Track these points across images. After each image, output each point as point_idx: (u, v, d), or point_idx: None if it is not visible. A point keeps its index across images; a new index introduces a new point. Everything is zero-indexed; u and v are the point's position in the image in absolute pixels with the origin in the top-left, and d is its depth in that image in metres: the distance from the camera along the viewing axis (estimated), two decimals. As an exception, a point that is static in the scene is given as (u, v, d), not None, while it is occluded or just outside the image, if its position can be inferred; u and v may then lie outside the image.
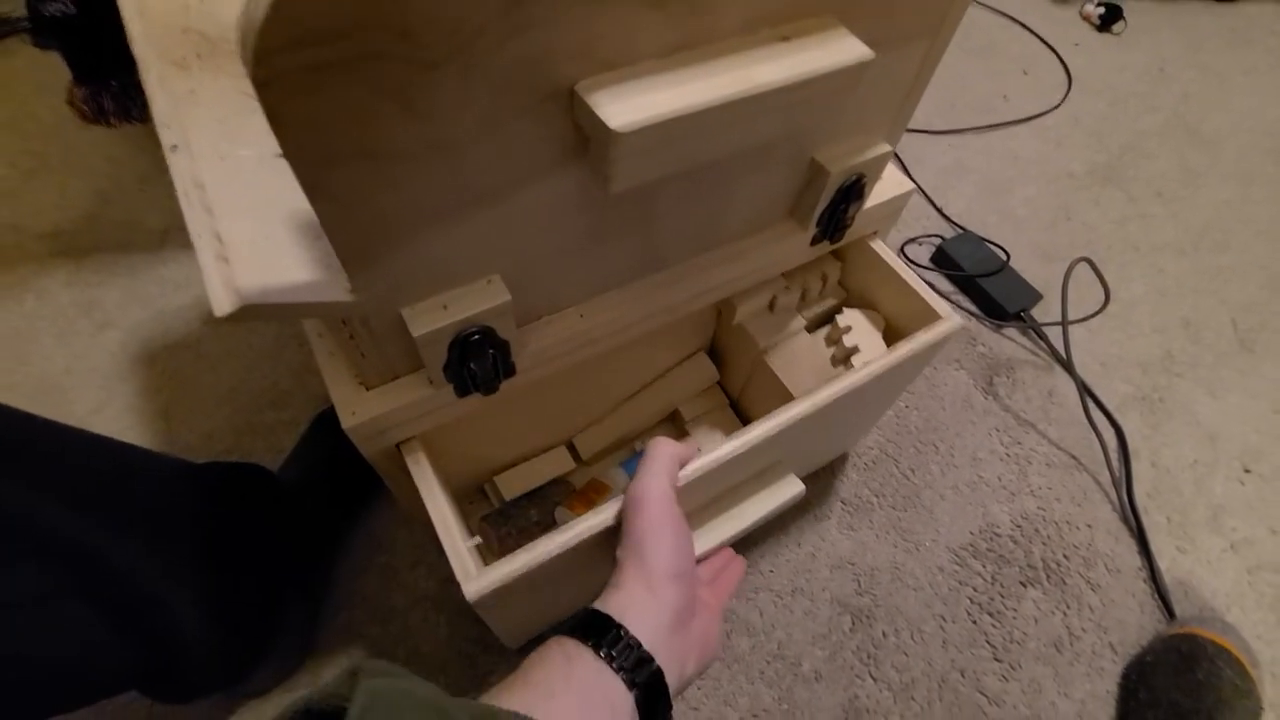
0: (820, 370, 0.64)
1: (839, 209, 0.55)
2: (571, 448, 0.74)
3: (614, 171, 0.34)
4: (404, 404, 0.45)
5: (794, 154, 0.49)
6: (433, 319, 0.40)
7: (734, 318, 0.65)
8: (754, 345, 0.66)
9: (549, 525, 0.68)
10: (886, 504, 0.80)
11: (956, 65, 1.33)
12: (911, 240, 1.05)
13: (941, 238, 1.04)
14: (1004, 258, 1.00)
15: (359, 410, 0.44)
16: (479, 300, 0.41)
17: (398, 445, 0.49)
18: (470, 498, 0.73)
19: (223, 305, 0.33)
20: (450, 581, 0.72)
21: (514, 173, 0.37)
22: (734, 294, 0.63)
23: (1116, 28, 1.46)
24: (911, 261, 1.02)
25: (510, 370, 0.48)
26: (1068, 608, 0.74)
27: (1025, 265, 1.01)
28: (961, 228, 1.07)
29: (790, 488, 0.56)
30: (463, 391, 0.47)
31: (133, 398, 0.82)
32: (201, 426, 0.80)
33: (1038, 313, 0.97)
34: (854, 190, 0.53)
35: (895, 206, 0.61)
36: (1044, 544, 0.78)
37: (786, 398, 0.63)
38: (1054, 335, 0.94)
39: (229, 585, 0.55)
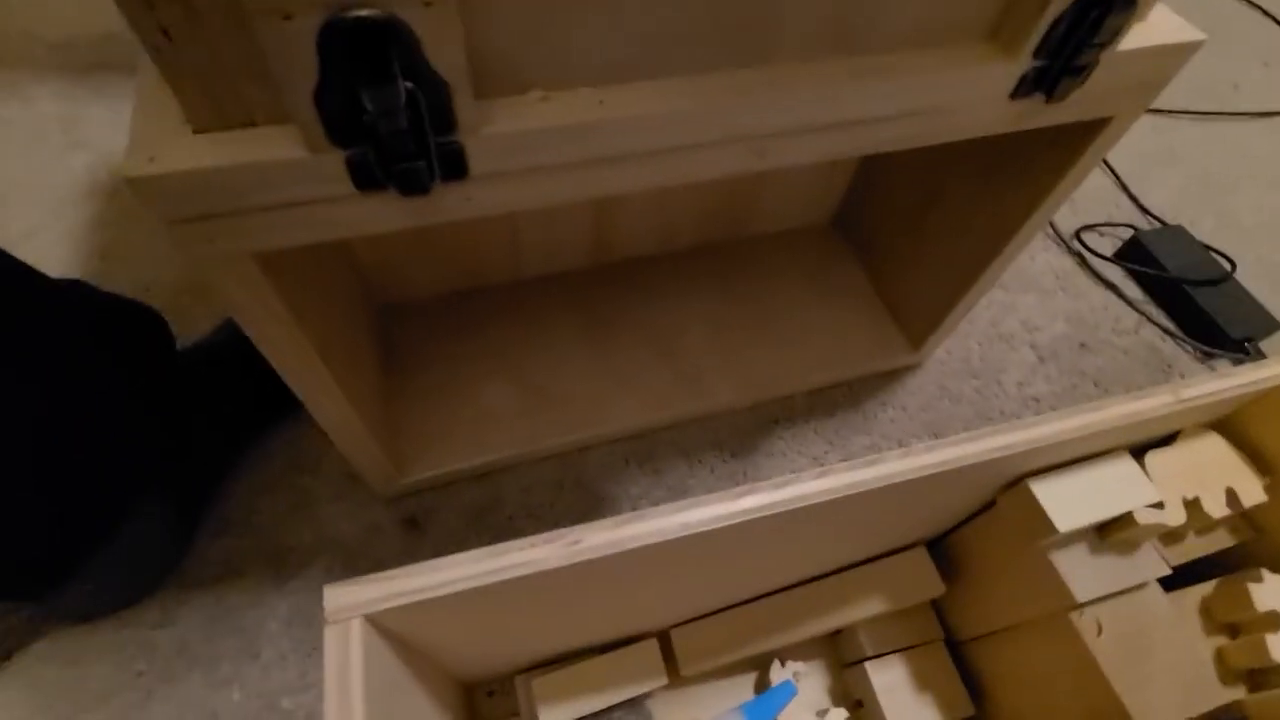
0: (1195, 685, 0.33)
1: (1085, 23, 0.31)
2: (666, 642, 0.42)
3: None
4: (249, 164, 0.25)
5: None
6: (280, -46, 0.20)
7: (1036, 538, 0.34)
8: (1059, 594, 0.35)
9: None
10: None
11: (1172, 40, 1.05)
12: (1090, 227, 0.78)
13: (1134, 229, 0.77)
14: (1227, 268, 0.72)
15: (164, 155, 0.24)
16: (386, -52, 0.20)
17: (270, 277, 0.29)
18: (491, 686, 0.44)
19: None
20: (376, 532, 0.52)
21: None
22: (1033, 469, 0.35)
23: (1391, 33, 1.13)
24: (1091, 251, 0.75)
25: (455, 158, 0.27)
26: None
27: (1254, 285, 0.73)
28: (1162, 222, 0.79)
29: None
30: (363, 174, 0.26)
31: (77, 227, 0.67)
32: (140, 275, 0.64)
33: (1269, 347, 0.69)
34: (1127, -20, 0.29)
35: (1164, 68, 0.37)
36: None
37: (1112, 708, 0.33)
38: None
39: (30, 434, 0.37)
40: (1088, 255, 0.75)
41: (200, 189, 0.25)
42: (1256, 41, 1.09)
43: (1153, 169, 0.86)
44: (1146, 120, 0.92)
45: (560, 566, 0.26)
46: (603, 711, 0.39)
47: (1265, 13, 1.13)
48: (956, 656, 0.45)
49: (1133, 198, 0.82)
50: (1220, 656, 0.35)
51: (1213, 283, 0.70)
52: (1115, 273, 0.75)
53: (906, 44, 0.32)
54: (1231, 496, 0.36)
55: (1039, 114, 0.36)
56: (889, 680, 0.43)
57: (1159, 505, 0.35)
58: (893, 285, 0.64)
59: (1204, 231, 0.79)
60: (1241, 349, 0.67)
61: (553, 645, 0.39)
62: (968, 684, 0.44)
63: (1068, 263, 0.75)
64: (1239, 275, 0.72)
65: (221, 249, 0.28)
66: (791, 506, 0.29)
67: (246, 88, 0.24)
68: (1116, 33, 0.32)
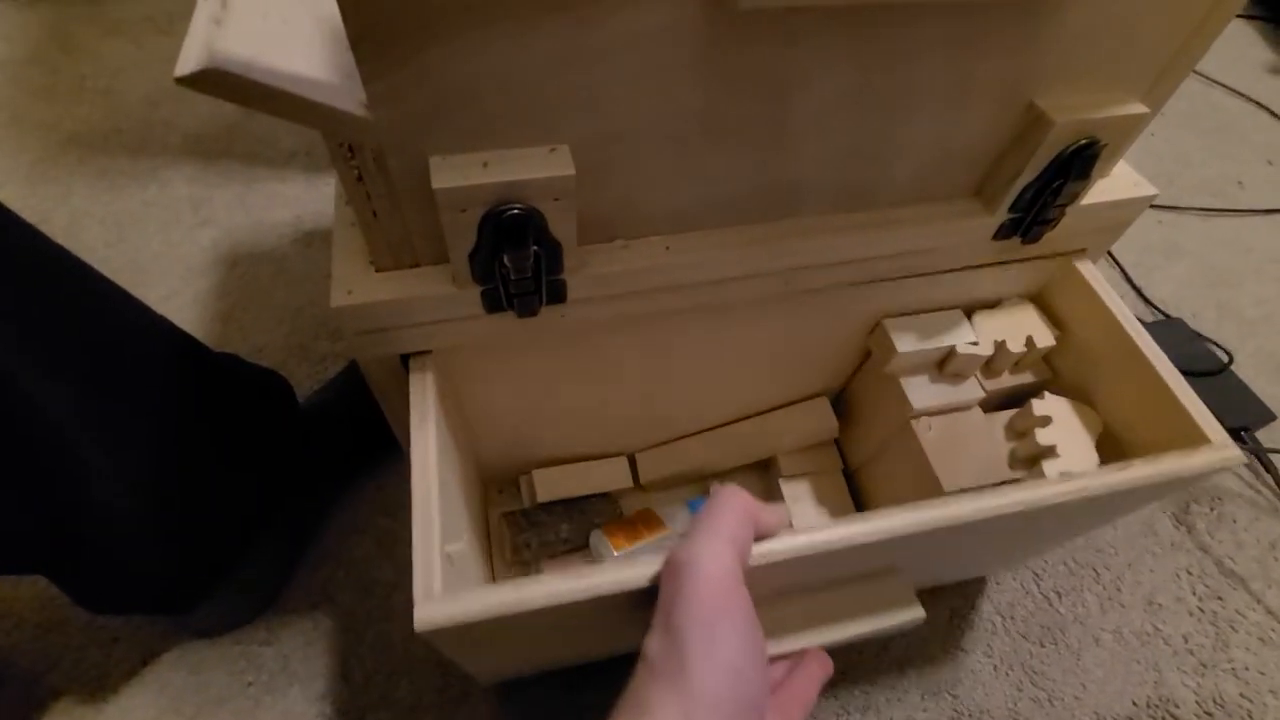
0: (989, 466, 0.47)
1: (1050, 188, 0.39)
2: (634, 464, 0.60)
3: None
4: (415, 298, 0.34)
5: (1006, 83, 0.35)
6: (464, 174, 0.30)
7: (887, 361, 0.48)
8: (904, 406, 0.49)
9: (579, 547, 0.57)
10: (1015, 629, 0.60)
11: (1181, 140, 1.13)
12: (1096, 316, 0.85)
13: (1140, 321, 0.83)
14: (1224, 359, 0.78)
15: (357, 290, 0.34)
16: (533, 167, 0.30)
17: (404, 362, 0.39)
18: (501, 485, 0.61)
19: (187, 63, 0.25)
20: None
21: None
22: (891, 313, 0.48)
23: (1400, 134, 1.18)
24: (1094, 339, 0.81)
25: (558, 290, 0.36)
26: None
27: (1252, 376, 0.78)
28: (1164, 314, 0.86)
29: (904, 611, 0.39)
30: (493, 303, 0.36)
31: (204, 294, 0.79)
32: (256, 338, 0.75)
33: (1265, 437, 0.74)
34: (1079, 161, 0.38)
35: (1122, 215, 0.45)
36: (1246, 750, 0.55)
37: (931, 488, 0.47)
38: (1287, 470, 0.71)
39: (193, 481, 0.46)
40: (1092, 343, 0.81)
41: (380, 312, 0.35)
42: (1260, 141, 1.16)
43: (1157, 263, 0.93)
44: (1153, 216, 1.00)
45: (555, 328, 0.39)
46: (583, 497, 0.57)
47: (1271, 113, 1.21)
48: (851, 483, 0.61)
49: (1137, 290, 0.89)
50: (1013, 452, 0.48)
51: (1209, 374, 0.76)
52: (1119, 360, 0.81)
53: (907, 201, 0.41)
54: (1029, 341, 0.48)
55: (1017, 250, 0.45)
56: (796, 493, 0.59)
57: (975, 344, 0.47)
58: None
59: (1206, 324, 0.85)
60: (1238, 438, 0.72)
61: (550, 449, 0.56)
62: (856, 501, 0.60)
63: (1074, 349, 0.82)
64: (1238, 366, 0.78)
65: (379, 347, 0.37)
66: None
67: (419, 244, 0.34)
68: (1076, 197, 0.41)
